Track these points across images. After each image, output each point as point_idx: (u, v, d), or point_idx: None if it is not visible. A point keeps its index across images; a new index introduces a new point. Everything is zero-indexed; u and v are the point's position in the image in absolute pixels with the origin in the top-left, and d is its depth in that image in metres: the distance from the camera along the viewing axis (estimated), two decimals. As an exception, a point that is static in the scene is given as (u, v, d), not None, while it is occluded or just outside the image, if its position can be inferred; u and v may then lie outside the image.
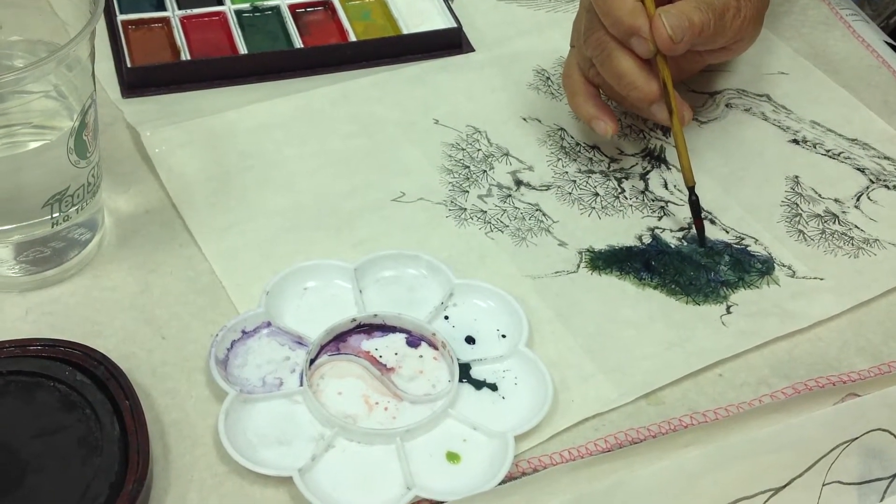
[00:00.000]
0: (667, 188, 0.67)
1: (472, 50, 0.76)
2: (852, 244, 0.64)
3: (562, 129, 0.70)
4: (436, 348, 0.56)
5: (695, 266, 0.62)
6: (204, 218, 0.62)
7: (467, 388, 0.55)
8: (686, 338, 0.58)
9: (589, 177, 0.67)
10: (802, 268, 0.62)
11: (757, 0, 0.64)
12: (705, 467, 0.50)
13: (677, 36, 0.60)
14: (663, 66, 0.62)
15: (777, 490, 0.51)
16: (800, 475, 0.51)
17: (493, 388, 0.55)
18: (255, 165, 0.66)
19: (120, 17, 0.73)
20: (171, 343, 0.56)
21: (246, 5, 0.76)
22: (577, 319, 0.59)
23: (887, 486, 0.52)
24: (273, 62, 0.72)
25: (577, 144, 0.69)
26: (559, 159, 0.68)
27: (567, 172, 0.67)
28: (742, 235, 0.64)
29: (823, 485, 0.51)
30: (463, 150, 0.68)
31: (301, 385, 0.54)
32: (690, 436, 0.53)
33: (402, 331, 0.57)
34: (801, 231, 0.65)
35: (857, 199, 0.67)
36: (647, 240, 0.64)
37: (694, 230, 0.63)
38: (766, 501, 0.50)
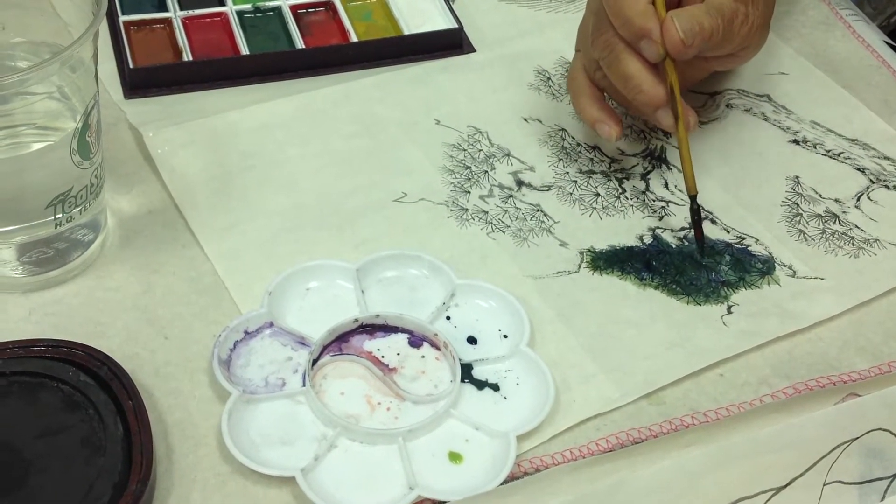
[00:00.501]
0: (668, 188, 0.67)
1: (474, 50, 0.76)
2: (853, 244, 0.64)
3: (563, 129, 0.70)
4: (438, 348, 0.56)
5: (695, 266, 0.62)
6: (206, 218, 0.63)
7: (469, 389, 0.55)
8: (687, 338, 0.58)
9: (590, 177, 0.68)
10: (803, 268, 0.63)
11: (764, 7, 0.64)
12: (706, 467, 0.51)
13: (688, 40, 0.60)
14: (671, 71, 0.62)
15: (778, 490, 0.51)
16: (801, 475, 0.51)
17: (495, 388, 0.55)
18: (258, 166, 0.66)
19: (122, 18, 0.73)
20: (173, 343, 0.56)
21: (247, 6, 0.76)
22: (578, 319, 0.59)
23: (888, 486, 0.52)
24: (275, 63, 0.72)
25: (578, 145, 0.69)
26: (560, 160, 0.68)
27: (568, 173, 0.68)
28: (742, 235, 0.64)
29: (824, 484, 0.52)
30: (464, 150, 0.69)
31: (304, 385, 0.54)
32: (692, 436, 0.53)
33: (404, 331, 0.57)
34: (801, 231, 0.65)
35: (858, 199, 0.67)
36: (647, 240, 0.64)
37: (692, 232, 0.64)
38: (768, 501, 0.51)
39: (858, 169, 0.69)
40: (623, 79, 0.62)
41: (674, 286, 0.61)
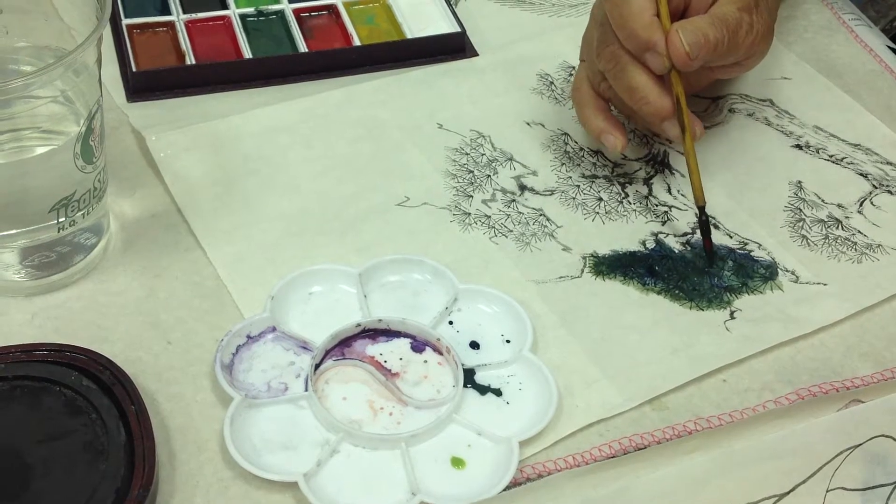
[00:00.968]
0: (670, 193, 0.67)
1: (476, 54, 0.76)
2: (855, 249, 0.64)
3: (565, 133, 0.70)
4: (440, 353, 0.56)
5: (698, 271, 0.62)
6: (209, 222, 0.62)
7: (472, 394, 0.55)
8: (690, 343, 0.58)
9: (592, 181, 0.67)
10: (806, 273, 0.63)
11: (767, 16, 0.64)
12: (710, 473, 0.51)
13: (693, 52, 0.60)
14: (677, 82, 0.62)
15: (781, 496, 0.51)
16: (804, 481, 0.51)
17: (498, 393, 0.55)
18: (260, 169, 0.66)
19: (125, 22, 0.73)
20: (176, 348, 0.56)
21: (251, 9, 0.76)
22: (581, 324, 0.59)
23: (891, 493, 0.52)
24: (277, 66, 0.72)
25: (581, 149, 0.69)
26: (563, 164, 0.68)
27: (571, 177, 0.68)
28: (745, 240, 0.64)
29: (827, 491, 0.51)
30: (467, 154, 0.68)
31: (306, 390, 0.54)
32: (695, 442, 0.53)
33: (406, 336, 0.57)
34: (804, 236, 0.65)
35: (860, 205, 0.67)
36: (650, 245, 0.64)
37: (697, 235, 0.64)
38: (770, 507, 0.51)
39: (861, 174, 0.69)
40: (629, 90, 0.62)
41: (677, 291, 0.61)
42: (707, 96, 0.74)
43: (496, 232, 0.64)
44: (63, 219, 0.56)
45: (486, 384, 0.55)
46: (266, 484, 0.50)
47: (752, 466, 0.51)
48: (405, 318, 0.57)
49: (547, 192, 0.66)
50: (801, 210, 0.66)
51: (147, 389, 0.54)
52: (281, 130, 0.69)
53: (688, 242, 0.64)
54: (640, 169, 0.69)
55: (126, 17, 0.74)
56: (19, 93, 0.51)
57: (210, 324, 0.57)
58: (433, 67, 0.74)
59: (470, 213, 0.65)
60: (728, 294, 0.61)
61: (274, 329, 0.56)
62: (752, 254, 0.64)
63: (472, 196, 0.66)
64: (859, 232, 0.65)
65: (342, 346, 0.56)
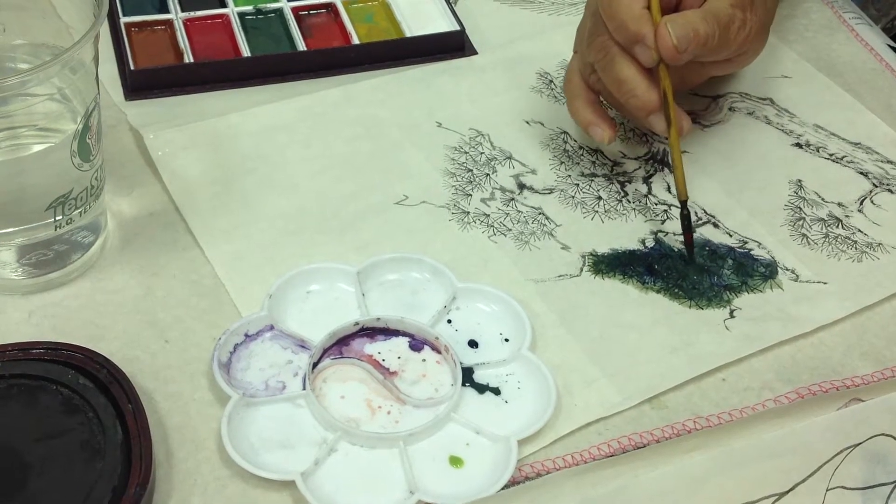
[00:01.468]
0: (670, 192, 0.67)
1: (475, 53, 0.76)
2: (856, 248, 0.64)
3: (565, 132, 0.70)
4: (439, 352, 0.56)
5: (698, 270, 0.62)
6: (207, 221, 0.62)
7: (470, 392, 0.55)
8: (689, 342, 0.58)
9: (592, 180, 0.67)
10: (806, 272, 0.62)
11: (762, 14, 0.64)
12: (709, 472, 0.50)
13: (682, 46, 0.60)
14: (665, 76, 0.62)
15: (781, 495, 0.51)
16: (803, 480, 0.51)
17: (496, 392, 0.55)
18: (258, 168, 0.66)
19: (123, 20, 0.73)
20: (173, 346, 0.56)
21: (249, 8, 0.76)
22: (580, 323, 0.59)
23: (891, 492, 0.52)
24: (276, 65, 0.72)
25: (580, 148, 0.69)
26: (562, 163, 0.68)
27: (570, 176, 0.67)
28: (745, 239, 0.64)
29: (827, 490, 0.51)
30: (466, 153, 0.68)
31: (304, 389, 0.54)
32: (694, 440, 0.53)
33: (404, 334, 0.57)
34: (804, 235, 0.65)
35: (861, 203, 0.67)
36: (650, 243, 0.64)
37: (696, 234, 0.63)
38: (770, 506, 0.50)
39: (861, 173, 0.69)
40: (617, 83, 0.62)
41: (676, 290, 0.61)
42: (707, 95, 0.73)
43: (495, 231, 0.64)
44: (60, 217, 0.56)
45: (485, 383, 0.55)
46: (263, 483, 0.50)
47: (752, 465, 0.51)
48: (403, 316, 0.57)
49: (546, 191, 0.66)
50: (801, 209, 0.66)
51: (144, 388, 0.54)
52: (279, 129, 0.69)
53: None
54: (640, 168, 0.68)
55: (124, 15, 0.74)
56: (16, 90, 0.51)
57: (208, 322, 0.57)
58: (432, 66, 0.74)
59: (469, 212, 0.64)
60: (728, 293, 0.61)
61: (272, 328, 0.56)
62: (751, 252, 0.63)
63: (470, 195, 0.66)
64: (859, 231, 0.65)
65: (340, 344, 0.56)
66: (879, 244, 0.64)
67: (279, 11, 0.76)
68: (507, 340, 0.57)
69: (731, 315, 0.60)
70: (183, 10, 0.75)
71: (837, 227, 0.65)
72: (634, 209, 0.66)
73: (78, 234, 0.58)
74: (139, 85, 0.70)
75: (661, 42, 0.60)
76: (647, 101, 0.61)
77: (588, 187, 0.67)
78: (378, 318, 0.57)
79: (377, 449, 0.52)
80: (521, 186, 0.66)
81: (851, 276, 0.62)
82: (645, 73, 0.62)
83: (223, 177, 0.65)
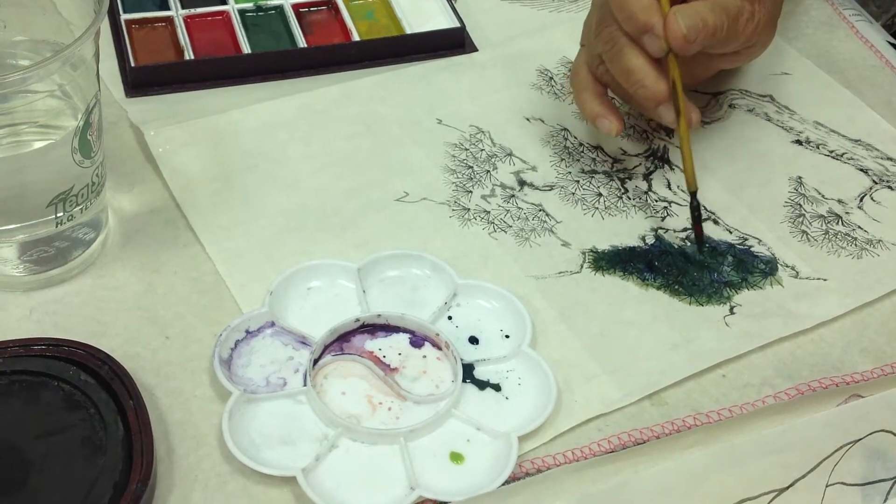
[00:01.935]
0: (670, 188, 0.67)
1: (476, 50, 0.76)
2: (855, 245, 0.64)
3: (565, 129, 0.70)
4: (439, 348, 0.56)
5: (698, 266, 0.62)
6: (208, 217, 0.62)
7: (471, 389, 0.55)
8: (689, 338, 0.58)
9: (592, 177, 0.67)
10: (806, 268, 0.62)
11: (771, 6, 0.64)
12: (709, 468, 0.51)
13: (691, 35, 0.60)
14: (674, 67, 0.61)
15: (781, 491, 0.51)
16: (803, 476, 0.51)
17: (497, 388, 0.55)
18: (259, 165, 0.66)
19: (123, 17, 0.73)
20: (175, 343, 0.56)
21: (249, 5, 0.76)
22: (580, 320, 0.59)
23: (890, 488, 0.52)
24: (276, 62, 0.72)
25: (581, 145, 0.69)
26: (562, 159, 0.68)
27: (570, 173, 0.67)
28: (745, 236, 0.64)
29: (827, 486, 0.51)
30: (466, 150, 0.68)
31: (305, 385, 0.54)
32: (694, 437, 0.53)
33: (405, 331, 0.57)
34: (804, 232, 0.65)
35: (861, 200, 0.67)
36: (650, 240, 0.64)
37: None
38: (770, 502, 0.50)
39: (861, 170, 0.69)
40: (625, 73, 0.62)
41: (676, 287, 0.61)
42: (707, 91, 0.73)
43: (495, 227, 0.64)
44: (61, 213, 0.56)
45: (485, 379, 0.55)
46: (264, 479, 0.50)
47: (752, 461, 0.51)
48: (404, 313, 0.57)
49: (546, 188, 0.66)
50: (801, 205, 0.66)
51: (145, 384, 0.54)
52: (280, 126, 0.69)
53: (687, 238, 0.64)
54: (640, 164, 0.68)
55: (125, 12, 0.74)
56: (16, 87, 0.51)
57: (209, 319, 0.57)
58: (432, 63, 0.74)
59: (469, 209, 0.65)
60: (728, 289, 0.61)
61: (273, 324, 0.56)
62: (752, 249, 0.63)
63: (471, 191, 0.66)
64: (859, 227, 0.65)
65: (341, 341, 0.56)
66: (879, 241, 0.64)
67: (280, 8, 0.76)
68: (507, 337, 0.57)
69: (732, 311, 0.60)
70: (183, 7, 0.75)
71: (837, 223, 0.65)
72: (635, 206, 0.66)
73: (79, 231, 0.58)
74: (140, 82, 0.70)
75: (670, 31, 0.60)
76: (656, 92, 0.61)
77: (588, 184, 0.67)
78: (379, 315, 0.57)
79: (378, 445, 0.52)
80: (522, 183, 0.67)
81: (851, 273, 0.62)
82: (653, 64, 0.62)
83: (224, 174, 0.65)
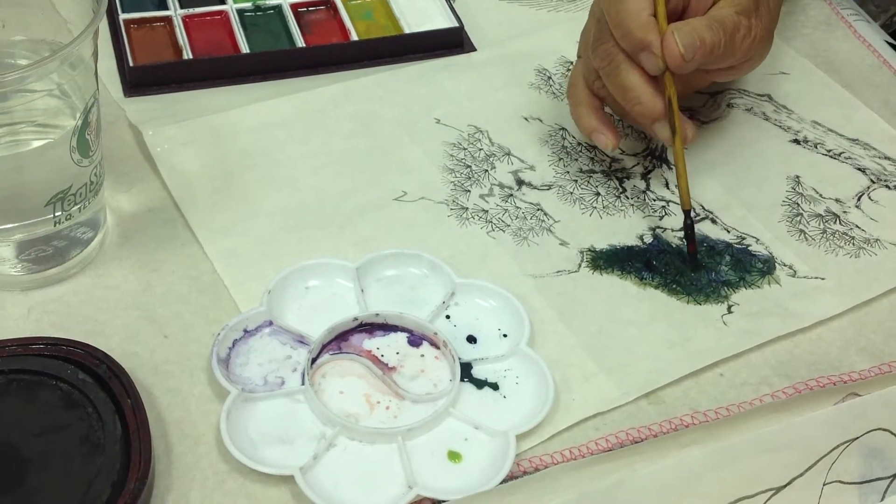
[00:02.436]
0: (668, 188, 0.67)
1: (474, 49, 0.76)
2: (853, 244, 0.64)
3: (563, 128, 0.70)
4: (437, 347, 0.56)
5: (697, 268, 0.62)
6: (206, 217, 0.62)
7: (469, 388, 0.55)
8: (687, 337, 0.58)
9: (590, 176, 0.67)
10: (803, 267, 0.62)
11: (767, 20, 0.63)
12: (706, 467, 0.51)
13: (688, 54, 0.60)
14: (670, 84, 0.61)
15: (778, 489, 0.51)
16: (801, 474, 0.51)
17: (495, 387, 0.55)
18: (257, 164, 0.66)
19: (122, 16, 0.73)
20: (173, 342, 0.56)
21: (248, 4, 0.76)
22: (578, 319, 0.59)
23: (888, 486, 0.52)
24: (275, 61, 0.72)
25: (579, 144, 0.69)
26: (560, 159, 0.68)
27: (568, 172, 0.67)
28: (743, 235, 0.64)
29: (824, 484, 0.51)
30: (464, 149, 0.68)
31: (303, 384, 0.54)
32: (691, 435, 0.53)
33: (403, 330, 0.57)
34: (802, 231, 0.65)
35: (858, 199, 0.67)
36: (648, 239, 0.64)
37: (696, 229, 0.64)
38: (768, 501, 0.51)
39: (859, 169, 0.69)
40: (622, 90, 0.62)
41: (674, 286, 0.61)
42: (705, 91, 0.73)
43: (494, 226, 0.64)
44: (59, 213, 0.56)
45: (483, 378, 0.55)
46: (262, 477, 0.50)
47: (749, 460, 0.51)
48: (402, 312, 0.57)
49: (544, 187, 0.66)
50: (798, 205, 0.66)
51: (143, 383, 0.54)
52: (278, 125, 0.69)
53: (685, 238, 0.64)
54: (638, 164, 0.69)
55: (123, 11, 0.74)
56: (15, 86, 0.51)
57: (207, 318, 0.57)
58: (431, 62, 0.74)
59: (467, 208, 0.65)
60: (725, 288, 0.61)
61: (271, 323, 0.56)
62: (749, 248, 0.63)
63: (469, 191, 0.66)
64: (857, 227, 0.65)
65: (339, 340, 0.56)
66: (877, 240, 0.64)
67: (278, 8, 0.76)
68: (505, 336, 0.57)
69: (729, 310, 0.60)
70: (182, 7, 0.75)
71: (835, 222, 0.65)
72: (633, 205, 0.66)
73: (77, 230, 0.58)
74: (138, 81, 0.70)
75: (667, 50, 0.60)
76: (651, 109, 0.61)
77: (586, 183, 0.67)
78: (377, 314, 0.57)
79: (376, 444, 0.52)
80: (520, 182, 0.67)
81: (849, 272, 0.62)
82: (650, 81, 0.61)
83: (222, 173, 0.65)
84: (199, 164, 0.65)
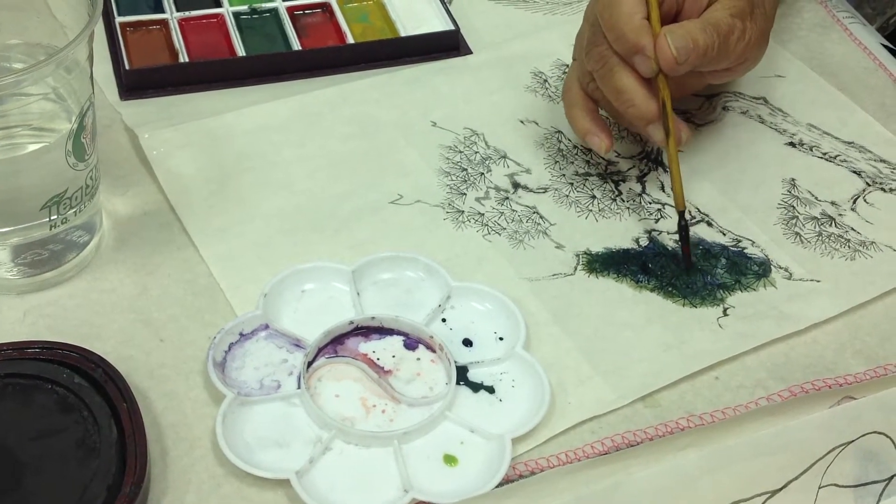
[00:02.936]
0: (664, 191, 0.67)
1: (470, 52, 0.76)
2: (849, 247, 0.64)
3: (559, 131, 0.70)
4: (433, 351, 0.56)
5: (692, 268, 0.62)
6: (202, 220, 0.62)
7: (465, 391, 0.55)
8: (683, 340, 0.58)
9: (586, 179, 0.67)
10: (799, 270, 0.63)
11: (762, 22, 0.63)
12: (702, 470, 0.51)
13: (681, 57, 0.60)
14: (664, 87, 0.61)
15: (774, 492, 0.51)
16: (796, 477, 0.51)
17: (491, 390, 0.55)
18: (254, 167, 0.66)
19: (118, 20, 0.73)
20: (168, 345, 0.56)
21: (244, 7, 0.76)
22: (574, 322, 0.59)
23: (883, 489, 0.52)
24: (271, 64, 0.72)
25: (574, 147, 0.69)
26: (556, 162, 0.68)
27: (564, 175, 0.68)
28: (739, 238, 0.64)
29: (820, 487, 0.51)
30: (460, 152, 0.68)
31: (299, 387, 0.54)
32: (687, 438, 0.53)
33: (399, 333, 0.57)
34: (797, 233, 0.65)
35: (854, 202, 0.67)
36: (643, 242, 0.64)
37: (691, 232, 0.64)
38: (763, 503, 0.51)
39: (855, 171, 0.69)
40: (615, 92, 0.62)
41: (670, 288, 0.61)
42: (701, 94, 0.74)
43: (489, 230, 0.64)
44: (55, 216, 0.56)
45: (479, 381, 0.55)
46: (258, 481, 0.50)
47: (745, 463, 0.51)
48: (398, 315, 0.57)
49: (540, 190, 0.66)
50: (794, 207, 0.66)
51: (139, 387, 0.54)
52: (274, 128, 0.69)
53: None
54: (634, 167, 0.69)
55: (119, 14, 0.74)
56: (10, 90, 0.51)
57: (202, 321, 0.57)
58: (427, 65, 0.74)
59: (463, 211, 0.65)
60: (721, 291, 0.61)
61: (267, 327, 0.56)
62: (745, 251, 0.64)
63: (465, 194, 0.66)
64: (852, 229, 0.65)
65: (335, 343, 0.56)
66: (872, 242, 0.65)
67: (274, 11, 0.76)
68: (501, 339, 0.57)
69: (725, 313, 0.60)
70: (178, 10, 0.75)
71: (830, 225, 0.65)
72: (628, 208, 0.66)
73: (73, 234, 0.58)
74: (134, 84, 0.70)
75: (660, 53, 0.60)
76: (645, 111, 0.61)
77: (582, 186, 0.67)
78: (373, 317, 0.57)
79: (372, 448, 0.52)
80: (516, 185, 0.67)
81: (844, 275, 0.62)
82: (644, 83, 0.61)
83: (218, 176, 0.65)
84: (196, 168, 0.65)
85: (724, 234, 0.64)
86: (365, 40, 0.75)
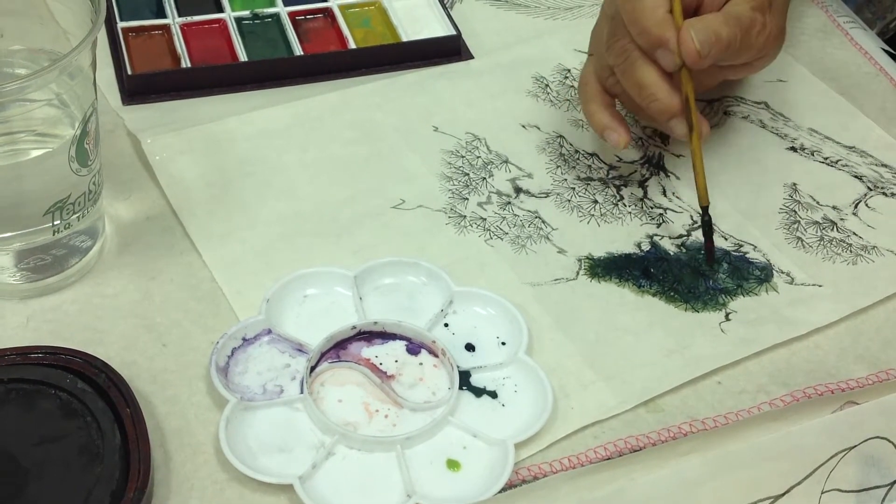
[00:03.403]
0: (665, 195, 0.67)
1: (472, 57, 0.76)
2: (850, 251, 0.64)
3: (561, 136, 0.70)
4: (436, 356, 0.56)
5: (693, 273, 0.62)
6: (204, 225, 0.63)
7: (467, 396, 0.55)
8: (685, 345, 0.58)
9: (588, 184, 0.68)
10: (801, 275, 0.63)
11: (780, 17, 0.63)
12: (704, 475, 0.51)
13: (704, 50, 0.60)
14: (687, 81, 0.61)
15: (776, 498, 0.51)
16: (799, 483, 0.51)
17: (493, 395, 0.55)
18: (256, 172, 0.66)
19: (120, 25, 0.73)
20: (171, 350, 0.56)
21: (246, 12, 0.76)
22: (576, 327, 0.59)
23: (885, 494, 0.52)
24: (273, 69, 0.72)
25: (576, 152, 0.69)
26: (558, 167, 0.68)
27: (566, 180, 0.68)
28: (740, 242, 0.64)
29: (822, 492, 0.52)
30: (462, 157, 0.69)
31: (301, 392, 0.54)
32: (690, 444, 0.53)
33: (402, 338, 0.57)
34: (799, 238, 0.65)
35: (855, 207, 0.67)
36: (645, 247, 0.64)
37: (692, 237, 0.64)
38: (765, 509, 0.51)
39: (856, 176, 0.69)
40: (637, 86, 0.62)
41: (672, 293, 0.61)
42: (702, 99, 0.74)
43: (491, 234, 0.64)
44: (58, 222, 0.56)
45: (482, 386, 0.55)
46: (261, 486, 0.50)
47: (747, 468, 0.51)
48: (401, 320, 0.57)
49: (542, 195, 0.67)
50: (796, 212, 0.67)
51: (142, 392, 0.54)
52: (276, 133, 0.69)
53: (683, 244, 0.64)
54: (636, 171, 0.69)
55: (121, 20, 0.74)
56: (14, 96, 0.51)
57: (205, 326, 0.57)
58: (428, 70, 0.75)
59: (465, 216, 0.65)
60: (723, 296, 0.61)
61: (269, 331, 0.56)
62: (747, 256, 0.64)
63: (467, 199, 0.66)
64: (854, 234, 0.65)
65: (338, 348, 0.56)
66: (874, 247, 0.65)
67: (276, 16, 0.76)
68: (503, 344, 0.57)
69: (727, 318, 0.60)
70: (180, 15, 0.75)
71: (832, 230, 0.66)
72: (630, 213, 0.66)
73: (76, 239, 0.58)
74: (137, 90, 0.70)
75: (683, 46, 0.60)
76: (668, 105, 0.61)
77: (584, 191, 0.67)
78: (375, 322, 0.57)
79: (375, 452, 0.52)
80: (518, 190, 0.67)
81: (846, 279, 0.62)
82: (666, 77, 0.61)
83: (220, 181, 0.65)
84: (198, 173, 0.65)
85: (726, 239, 0.65)
86: (366, 45, 0.75)
